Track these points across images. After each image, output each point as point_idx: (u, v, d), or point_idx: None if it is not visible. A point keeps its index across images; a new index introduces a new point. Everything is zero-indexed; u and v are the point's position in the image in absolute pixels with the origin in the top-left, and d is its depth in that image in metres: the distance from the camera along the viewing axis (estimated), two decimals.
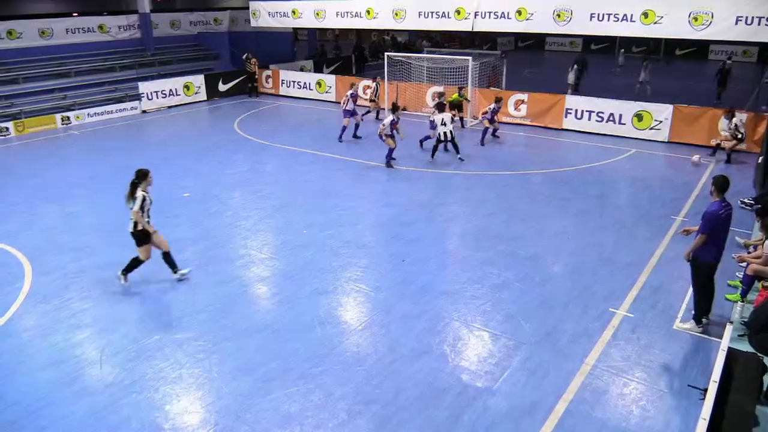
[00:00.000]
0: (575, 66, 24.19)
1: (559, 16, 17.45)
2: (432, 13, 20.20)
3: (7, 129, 19.51)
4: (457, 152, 15.19)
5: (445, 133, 14.81)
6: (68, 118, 21.04)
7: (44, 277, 9.33)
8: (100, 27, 25.97)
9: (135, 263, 8.86)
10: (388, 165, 14.66)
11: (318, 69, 29.68)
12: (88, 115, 21.56)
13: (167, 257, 8.94)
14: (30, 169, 15.69)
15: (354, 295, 8.62)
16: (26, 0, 33.35)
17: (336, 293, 8.69)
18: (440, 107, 15.93)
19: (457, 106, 18.17)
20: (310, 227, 11.05)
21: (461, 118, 18.74)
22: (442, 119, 14.81)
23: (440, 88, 19.53)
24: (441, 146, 15.44)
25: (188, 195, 13.02)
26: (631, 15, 16.24)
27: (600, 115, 17.93)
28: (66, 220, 11.97)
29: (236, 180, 14.19)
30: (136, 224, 8.53)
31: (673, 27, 15.83)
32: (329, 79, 24.63)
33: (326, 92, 24.34)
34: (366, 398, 6.35)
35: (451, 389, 6.49)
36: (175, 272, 9.03)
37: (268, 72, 26.36)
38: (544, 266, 9.40)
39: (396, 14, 21.06)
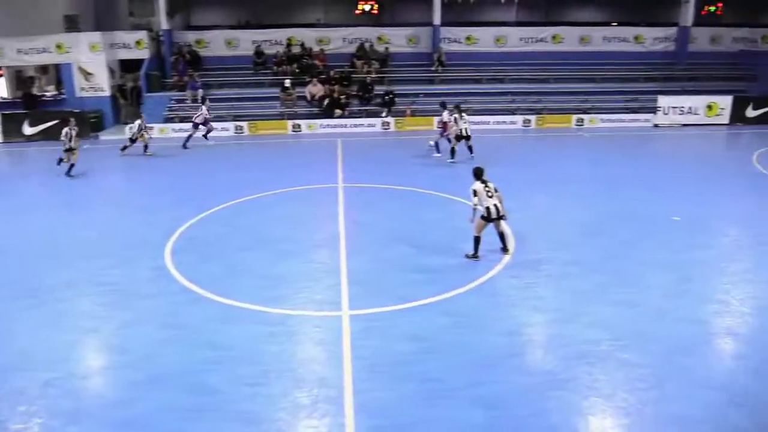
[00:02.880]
0: None
1: None
2: None
3: (529, 121, 22.18)
4: None
5: None
6: (582, 120, 22.41)
7: (522, 256, 10.32)
8: (636, 38, 26.43)
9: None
10: None
11: None
12: (601, 120, 22.49)
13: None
14: (532, 158, 17.45)
15: None
16: (573, 9, 36.46)
17: None
18: None
19: None
20: None
21: None
22: None
23: None
24: None
25: (678, 219, 12.25)
26: None
27: None
28: (551, 213, 12.90)
29: (737, 217, 12.57)
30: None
31: None
32: None
33: None
34: None
35: None
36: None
37: None
38: None
39: None
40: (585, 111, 22.95)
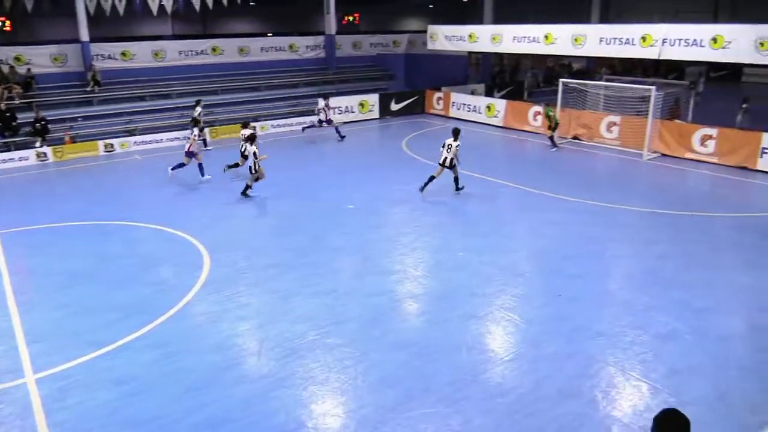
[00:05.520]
0: None
1: (762, 44, 15.72)
2: (615, 39, 19.28)
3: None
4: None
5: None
6: (254, 128, 23.06)
7: (219, 270, 10.27)
8: (290, 46, 28.32)
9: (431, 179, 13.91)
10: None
11: (489, 93, 29.60)
12: (271, 126, 23.52)
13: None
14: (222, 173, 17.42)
15: (504, 324, 8.37)
16: (229, 21, 37.38)
17: (486, 320, 8.51)
18: None
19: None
20: (467, 251, 10.97)
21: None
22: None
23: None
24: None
25: (352, 207, 13.60)
26: None
27: None
28: (244, 221, 13.10)
29: (399, 197, 14.54)
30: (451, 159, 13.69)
31: None
32: (499, 103, 24.45)
33: (494, 116, 24.17)
34: None
35: None
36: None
37: (440, 94, 26.84)
38: (723, 321, 8.39)
39: (575, 40, 20.39)
40: (255, 119, 23.68)
